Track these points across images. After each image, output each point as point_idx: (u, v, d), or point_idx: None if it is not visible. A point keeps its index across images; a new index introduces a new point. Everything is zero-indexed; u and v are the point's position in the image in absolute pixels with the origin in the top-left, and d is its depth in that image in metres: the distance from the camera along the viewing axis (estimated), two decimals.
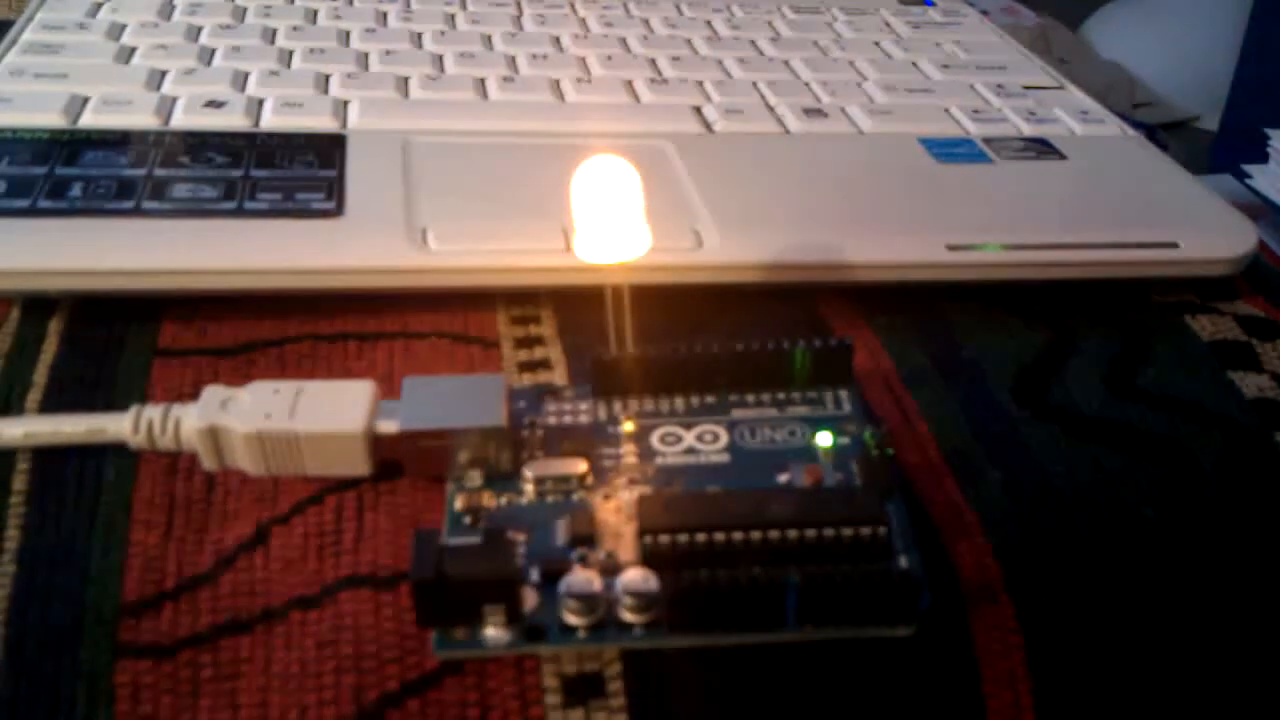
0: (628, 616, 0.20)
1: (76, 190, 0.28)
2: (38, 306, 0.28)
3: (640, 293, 0.24)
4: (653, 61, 0.40)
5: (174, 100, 0.34)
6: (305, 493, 0.23)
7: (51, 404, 0.25)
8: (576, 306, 0.28)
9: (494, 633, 0.19)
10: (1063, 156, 0.35)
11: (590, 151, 0.23)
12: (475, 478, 0.22)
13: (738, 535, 0.20)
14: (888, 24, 0.46)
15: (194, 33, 0.39)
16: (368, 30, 0.40)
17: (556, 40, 0.41)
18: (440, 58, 0.39)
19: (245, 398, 0.23)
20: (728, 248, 0.29)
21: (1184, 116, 0.88)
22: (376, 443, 0.22)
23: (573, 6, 0.45)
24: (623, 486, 0.22)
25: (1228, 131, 0.78)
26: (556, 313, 0.29)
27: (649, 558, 0.20)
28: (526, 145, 0.33)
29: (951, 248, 0.29)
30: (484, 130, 0.34)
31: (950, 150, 0.35)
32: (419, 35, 0.40)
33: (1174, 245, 0.30)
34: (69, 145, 0.30)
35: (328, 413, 0.22)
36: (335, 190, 0.29)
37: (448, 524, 0.22)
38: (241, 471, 0.23)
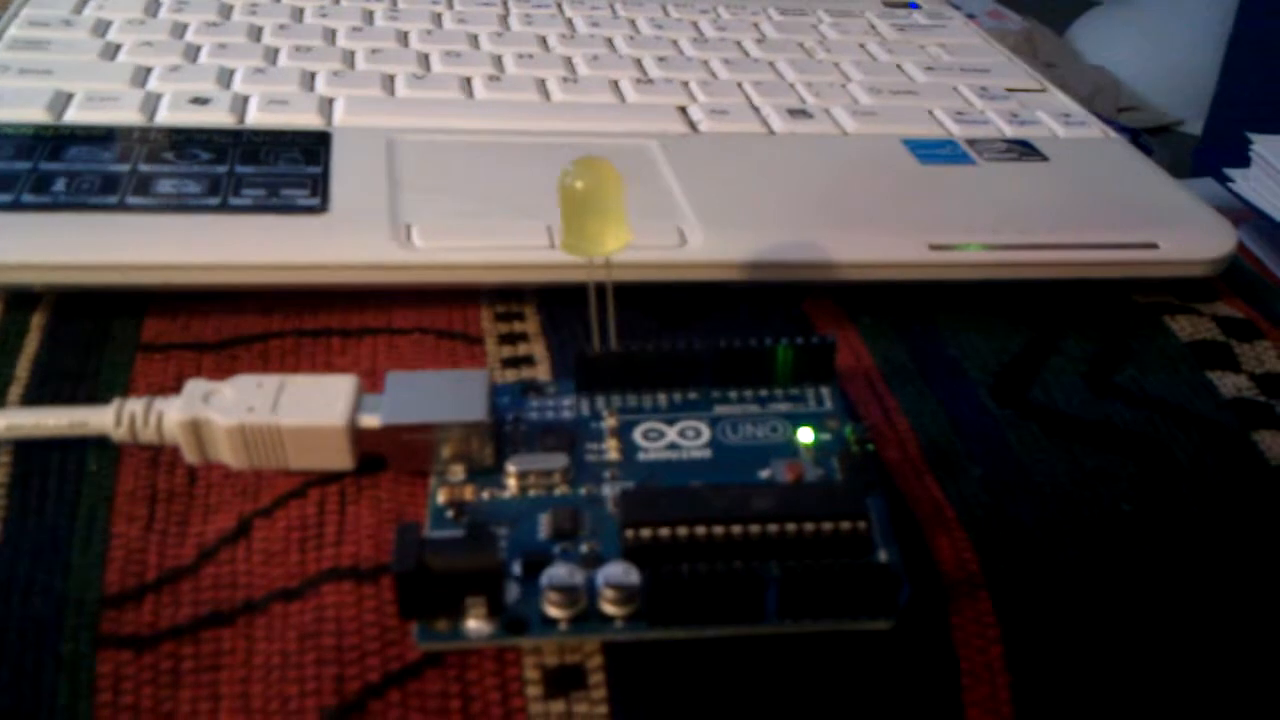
0: (609, 609, 0.20)
1: (60, 185, 0.28)
2: (20, 300, 0.27)
3: (624, 290, 0.24)
4: (638, 62, 0.40)
5: (159, 97, 0.34)
6: (287, 486, 0.23)
7: (34, 397, 0.25)
8: (560, 303, 0.28)
9: (476, 625, 0.20)
10: (1044, 158, 0.35)
11: (575, 150, 0.23)
12: (458, 472, 0.22)
13: (719, 529, 0.20)
14: (873, 26, 0.46)
15: (180, 30, 0.39)
16: (354, 28, 0.40)
17: (543, 40, 0.41)
18: (426, 56, 0.39)
19: (228, 391, 0.23)
20: (711, 246, 0.29)
21: (1168, 121, 0.89)
22: (359, 437, 0.22)
23: (559, 6, 0.45)
24: (605, 481, 0.22)
25: (1211, 136, 0.79)
26: (540, 309, 0.29)
27: (630, 551, 0.20)
28: (512, 144, 0.33)
29: (934, 247, 0.30)
30: (469, 129, 0.34)
31: (933, 151, 0.35)
32: (405, 34, 0.40)
33: (1154, 246, 0.31)
34: (53, 141, 0.30)
35: (311, 406, 0.22)
36: (320, 187, 0.30)
37: (430, 517, 0.22)
38: (224, 465, 0.23)
